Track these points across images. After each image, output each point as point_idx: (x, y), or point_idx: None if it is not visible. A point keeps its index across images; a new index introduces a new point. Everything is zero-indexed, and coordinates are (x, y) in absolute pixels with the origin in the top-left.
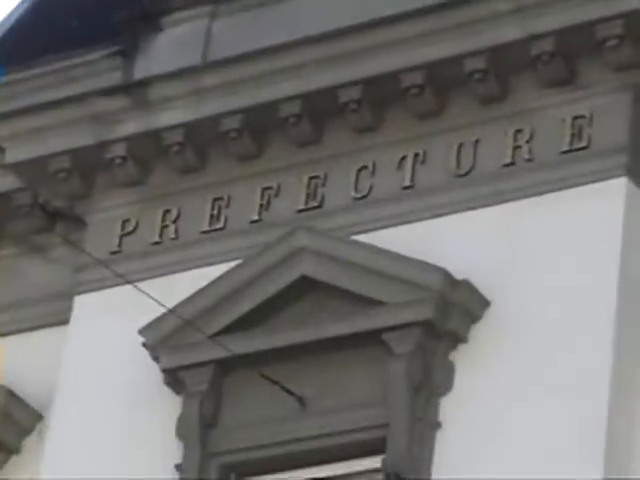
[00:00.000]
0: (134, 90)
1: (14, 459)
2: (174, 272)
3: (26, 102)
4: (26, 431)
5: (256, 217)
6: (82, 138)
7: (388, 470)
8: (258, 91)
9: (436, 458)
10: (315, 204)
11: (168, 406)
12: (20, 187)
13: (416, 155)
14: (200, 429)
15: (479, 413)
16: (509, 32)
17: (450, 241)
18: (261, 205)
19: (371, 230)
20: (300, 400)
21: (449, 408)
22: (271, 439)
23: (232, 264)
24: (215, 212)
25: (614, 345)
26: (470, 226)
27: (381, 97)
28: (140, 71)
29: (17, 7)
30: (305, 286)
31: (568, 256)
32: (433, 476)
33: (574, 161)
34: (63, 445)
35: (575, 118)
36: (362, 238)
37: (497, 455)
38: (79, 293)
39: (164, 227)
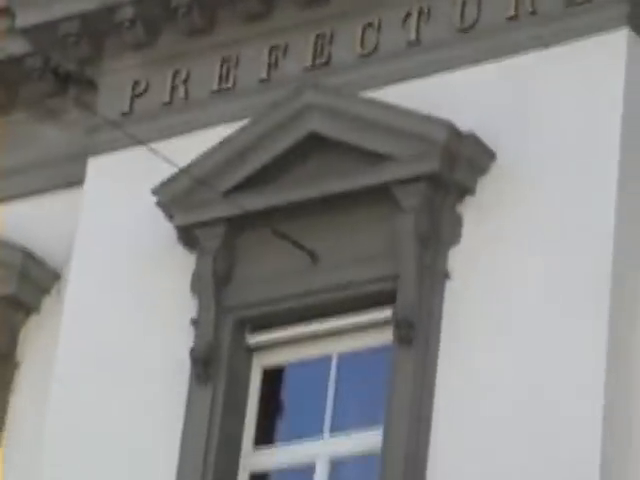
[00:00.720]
0: None
1: (33, 318)
2: (185, 132)
3: None
4: (45, 290)
5: (264, 76)
6: (91, 2)
7: (399, 318)
8: None
9: (446, 306)
10: (322, 61)
11: (183, 264)
12: (31, 51)
13: (421, 11)
14: (214, 284)
15: (486, 262)
16: None
17: (455, 95)
18: (269, 64)
19: (378, 86)
20: (312, 255)
21: (457, 259)
22: (284, 293)
23: (242, 123)
24: (224, 72)
25: (618, 198)
26: (475, 80)
27: None
28: None
29: None
30: (314, 143)
31: (571, 108)
32: (443, 322)
33: (577, 14)
34: (81, 303)
35: None
36: (369, 94)
37: (504, 298)
38: (93, 155)
39: (174, 88)
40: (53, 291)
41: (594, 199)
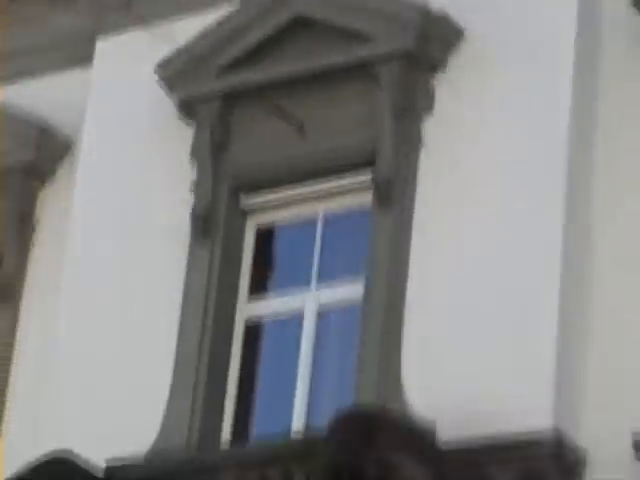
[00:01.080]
0: None
1: (49, 185)
2: (184, 12)
3: None
4: (59, 159)
5: None
6: None
7: (378, 180)
8: None
9: (420, 170)
10: None
11: (184, 135)
12: None
13: None
14: (211, 152)
15: (457, 131)
16: None
17: None
18: None
19: None
20: (300, 125)
21: (430, 128)
22: (275, 159)
23: (237, 4)
24: None
25: (574, 75)
26: None
27: None
28: None
29: None
30: (301, 24)
31: None
32: (418, 186)
33: None
34: (92, 170)
35: None
36: None
37: (471, 168)
38: (100, 35)
39: None
40: (67, 159)
41: (551, 77)
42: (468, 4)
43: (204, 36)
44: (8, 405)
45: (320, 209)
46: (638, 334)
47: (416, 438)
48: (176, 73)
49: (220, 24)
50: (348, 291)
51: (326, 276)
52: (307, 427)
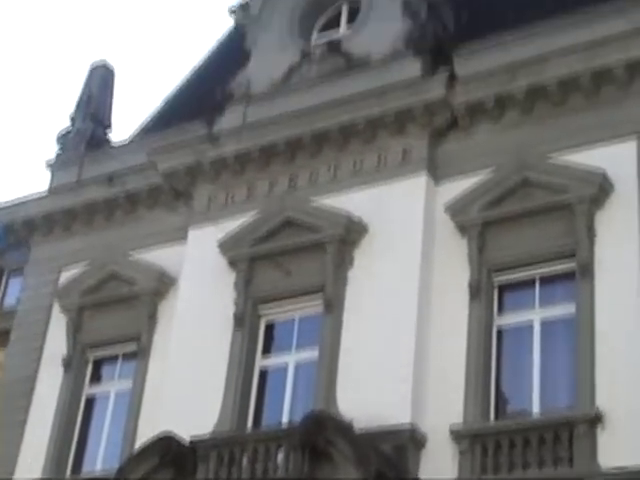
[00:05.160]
0: None
1: None
2: (232, 216)
3: None
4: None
5: None
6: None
7: (325, 298)
8: None
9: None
10: None
11: (231, 278)
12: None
13: None
14: (244, 285)
15: (371, 284)
16: None
17: None
18: None
19: None
20: (288, 272)
21: (353, 279)
22: (274, 287)
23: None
24: None
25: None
26: None
27: None
28: None
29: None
30: (288, 224)
31: None
32: (346, 296)
33: None
34: (187, 306)
35: None
36: None
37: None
38: (190, 227)
39: None
40: (172, 290)
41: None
42: (368, 207)
43: (242, 228)
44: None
45: (296, 315)
46: (442, 365)
47: (343, 428)
48: (227, 246)
49: (249, 223)
50: (311, 355)
51: (302, 345)
52: (290, 421)
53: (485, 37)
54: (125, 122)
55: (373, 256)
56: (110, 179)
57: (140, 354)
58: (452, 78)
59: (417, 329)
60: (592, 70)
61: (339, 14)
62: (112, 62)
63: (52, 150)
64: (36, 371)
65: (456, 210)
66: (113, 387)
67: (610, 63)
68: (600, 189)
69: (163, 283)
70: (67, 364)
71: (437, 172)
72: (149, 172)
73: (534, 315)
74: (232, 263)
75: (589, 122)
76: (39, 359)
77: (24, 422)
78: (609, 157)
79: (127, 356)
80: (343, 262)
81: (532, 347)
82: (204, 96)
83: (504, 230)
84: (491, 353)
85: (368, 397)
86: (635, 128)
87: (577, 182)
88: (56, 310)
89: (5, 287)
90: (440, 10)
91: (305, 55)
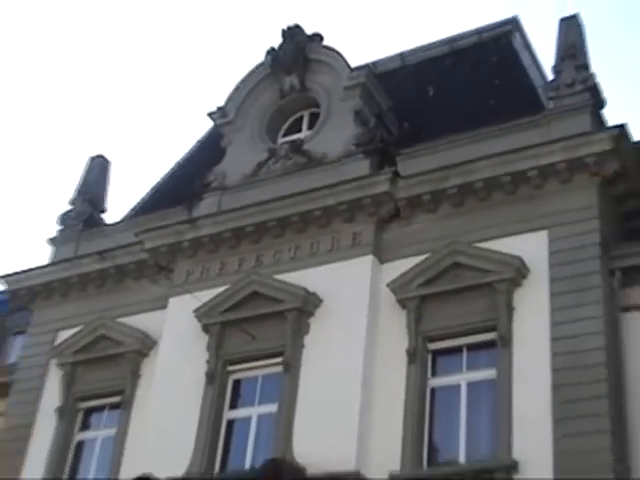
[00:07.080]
0: None
1: None
2: (208, 287)
3: None
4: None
5: None
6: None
7: (284, 361)
8: None
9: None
10: None
11: (204, 342)
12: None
13: None
14: (215, 348)
15: (325, 350)
16: None
17: None
18: None
19: None
20: (253, 336)
21: (308, 348)
22: (241, 351)
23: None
24: None
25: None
26: None
27: None
28: None
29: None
30: (254, 295)
31: None
32: (303, 358)
33: None
34: (166, 365)
35: None
36: None
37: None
38: (171, 297)
39: None
40: (153, 352)
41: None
42: (323, 283)
43: (215, 298)
44: None
45: (260, 374)
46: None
47: (297, 473)
48: (201, 313)
49: (221, 294)
50: (271, 408)
51: (264, 400)
52: (252, 466)
53: (424, 143)
54: (118, 205)
55: (326, 325)
56: (102, 254)
57: (124, 405)
58: (396, 176)
59: (362, 388)
60: (511, 173)
61: (301, 119)
62: (108, 155)
63: (53, 228)
64: (33, 419)
65: (397, 287)
66: (100, 434)
67: (526, 168)
68: (517, 272)
69: (145, 344)
70: (61, 413)
71: (382, 254)
72: (136, 249)
73: (461, 378)
74: (205, 328)
75: (509, 216)
76: (36, 408)
77: (22, 464)
78: (525, 245)
79: (113, 407)
80: (300, 329)
81: (459, 405)
82: (185, 186)
83: (437, 305)
84: (425, 409)
85: (320, 446)
86: (546, 223)
87: (499, 266)
88: (52, 366)
89: (9, 345)
90: (386, 119)
91: (272, 153)
